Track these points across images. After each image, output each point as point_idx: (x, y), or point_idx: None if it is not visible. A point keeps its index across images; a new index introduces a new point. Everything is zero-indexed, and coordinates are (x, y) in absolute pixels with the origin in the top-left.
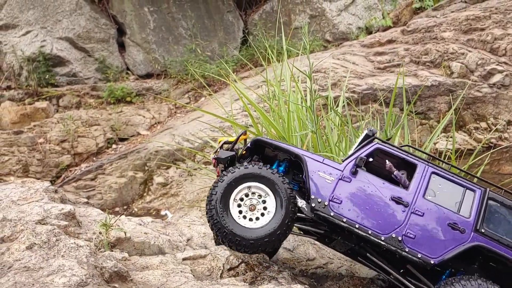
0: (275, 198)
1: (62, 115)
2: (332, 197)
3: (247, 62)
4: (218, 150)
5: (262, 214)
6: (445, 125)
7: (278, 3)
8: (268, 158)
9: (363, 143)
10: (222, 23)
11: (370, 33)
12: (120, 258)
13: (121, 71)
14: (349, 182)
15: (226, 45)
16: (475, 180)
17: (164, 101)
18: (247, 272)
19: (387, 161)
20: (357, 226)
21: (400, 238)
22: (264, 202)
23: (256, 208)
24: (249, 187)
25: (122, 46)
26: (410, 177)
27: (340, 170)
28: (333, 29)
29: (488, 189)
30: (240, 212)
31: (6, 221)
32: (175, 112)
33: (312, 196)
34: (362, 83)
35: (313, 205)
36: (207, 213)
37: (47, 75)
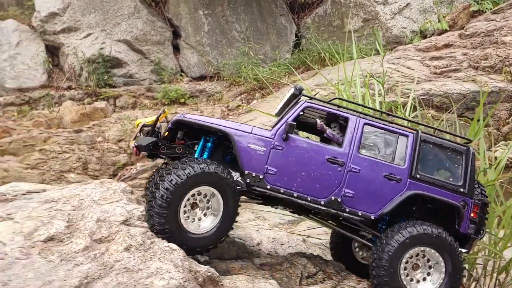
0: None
1: (119, 115)
2: (267, 169)
3: (306, 61)
4: (138, 135)
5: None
6: (506, 132)
7: (331, 7)
8: (193, 135)
9: (291, 103)
10: (275, 26)
11: (425, 37)
12: (202, 261)
13: (176, 73)
14: (282, 150)
15: (278, 48)
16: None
17: (217, 103)
18: (325, 281)
19: (317, 120)
20: (295, 195)
21: (339, 199)
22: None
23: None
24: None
25: (176, 49)
26: (343, 130)
27: (270, 138)
28: (386, 33)
29: (419, 132)
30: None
31: (101, 221)
32: (228, 114)
33: (246, 172)
34: (418, 88)
35: (248, 180)
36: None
37: (106, 76)
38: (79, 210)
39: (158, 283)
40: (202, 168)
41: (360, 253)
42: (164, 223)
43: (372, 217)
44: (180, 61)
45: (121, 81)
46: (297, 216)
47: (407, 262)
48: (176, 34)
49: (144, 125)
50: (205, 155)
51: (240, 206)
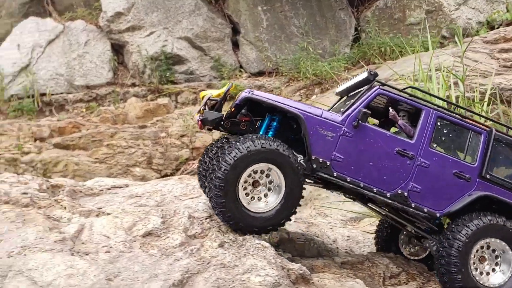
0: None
1: (181, 111)
2: (335, 155)
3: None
4: (202, 109)
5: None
6: None
7: None
8: (258, 112)
9: (364, 88)
10: (334, 21)
11: (492, 28)
12: (286, 258)
13: (235, 69)
14: (351, 137)
15: (337, 43)
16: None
17: None
18: (409, 282)
19: (390, 109)
20: (361, 185)
21: (406, 194)
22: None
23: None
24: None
25: (236, 45)
26: (413, 121)
27: (341, 124)
28: (450, 25)
29: (493, 130)
30: None
31: (192, 218)
32: None
33: (313, 156)
34: (486, 82)
35: (314, 166)
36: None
37: (168, 73)
38: (162, 205)
39: (255, 280)
40: (263, 144)
41: (407, 249)
42: (222, 196)
43: (438, 215)
44: (239, 57)
45: (182, 78)
46: (355, 211)
47: (474, 256)
48: (235, 31)
49: (209, 99)
50: (270, 133)
51: (305, 189)
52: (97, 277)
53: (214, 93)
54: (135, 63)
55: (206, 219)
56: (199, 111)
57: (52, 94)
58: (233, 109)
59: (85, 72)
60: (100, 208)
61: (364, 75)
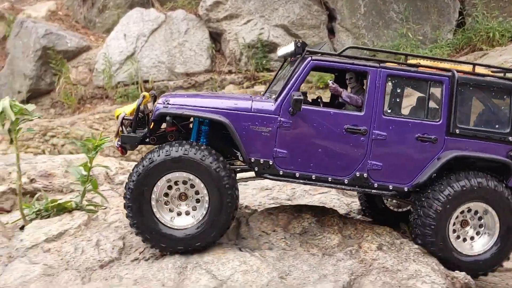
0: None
1: None
2: (276, 152)
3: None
4: (120, 129)
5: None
6: None
7: None
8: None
9: (295, 62)
10: (436, 5)
11: None
12: None
13: None
14: (290, 127)
15: (439, 28)
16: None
17: None
18: None
19: (330, 82)
20: (313, 177)
21: (365, 175)
22: None
23: None
24: None
25: (331, 32)
26: (360, 80)
27: (275, 115)
28: None
29: (455, 74)
30: None
31: (344, 218)
32: None
33: (252, 159)
34: None
35: (256, 169)
36: None
37: (264, 61)
38: (293, 199)
39: (421, 286)
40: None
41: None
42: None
43: (406, 189)
44: (335, 44)
45: (278, 65)
46: None
47: (456, 219)
48: (331, 17)
49: (124, 118)
50: (202, 140)
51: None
52: (270, 275)
53: (127, 110)
54: (232, 51)
55: (343, 216)
56: (116, 134)
57: (154, 81)
58: (151, 125)
59: (185, 60)
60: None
61: (291, 47)
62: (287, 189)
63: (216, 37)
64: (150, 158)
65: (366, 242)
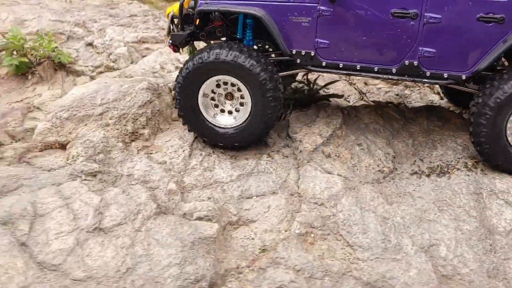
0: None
1: None
2: (318, 42)
3: None
4: (171, 28)
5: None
6: None
7: None
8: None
9: None
10: None
11: None
12: None
13: None
14: (331, 15)
15: None
16: None
17: None
18: None
19: None
20: (358, 67)
21: (416, 63)
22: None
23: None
24: None
25: None
26: None
27: (315, 3)
28: None
29: None
30: None
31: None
32: None
33: (294, 51)
34: None
35: (298, 61)
36: None
37: None
38: None
39: None
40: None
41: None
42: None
43: (464, 77)
44: None
45: None
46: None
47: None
48: None
49: (173, 16)
50: (248, 34)
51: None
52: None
53: (175, 9)
54: None
55: None
56: (168, 33)
57: None
58: (197, 22)
59: None
60: None
61: None
62: None
63: None
64: (200, 57)
65: None
